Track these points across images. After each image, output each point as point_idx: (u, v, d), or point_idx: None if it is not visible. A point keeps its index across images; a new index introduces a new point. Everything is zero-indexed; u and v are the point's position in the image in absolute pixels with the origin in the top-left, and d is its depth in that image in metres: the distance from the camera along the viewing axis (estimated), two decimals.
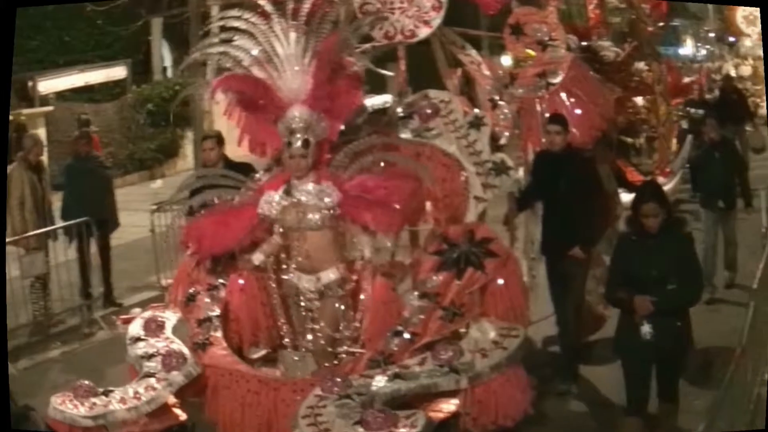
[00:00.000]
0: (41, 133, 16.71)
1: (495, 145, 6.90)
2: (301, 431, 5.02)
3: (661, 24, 14.31)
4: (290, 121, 6.06)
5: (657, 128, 13.45)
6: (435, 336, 5.78)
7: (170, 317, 6.24)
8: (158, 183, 19.86)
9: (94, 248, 10.55)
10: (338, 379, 5.29)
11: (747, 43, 24.55)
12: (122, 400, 5.35)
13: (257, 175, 6.81)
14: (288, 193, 6.10)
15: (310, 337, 6.10)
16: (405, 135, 6.76)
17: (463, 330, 5.96)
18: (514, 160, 6.93)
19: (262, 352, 6.47)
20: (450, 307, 5.88)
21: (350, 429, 4.90)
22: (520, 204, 7.38)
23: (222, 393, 5.67)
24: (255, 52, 6.17)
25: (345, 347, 6.07)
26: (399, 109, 6.99)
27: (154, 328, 6.04)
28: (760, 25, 15.99)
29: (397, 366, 5.55)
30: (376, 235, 6.01)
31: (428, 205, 6.65)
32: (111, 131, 20.09)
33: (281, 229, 6.14)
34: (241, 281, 6.25)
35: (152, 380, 5.45)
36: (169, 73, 23.39)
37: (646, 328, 5.64)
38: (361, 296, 6.10)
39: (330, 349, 6.07)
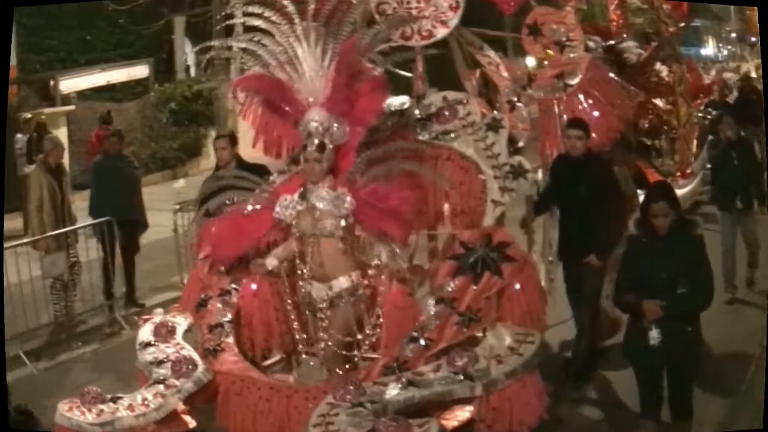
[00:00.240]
0: (63, 132, 16.69)
1: (513, 148, 6.80)
2: None
3: (682, 24, 14.20)
4: (307, 123, 5.98)
5: (678, 130, 13.36)
6: (451, 341, 5.69)
7: (181, 322, 6.16)
8: (181, 182, 19.91)
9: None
10: (351, 387, 5.19)
11: None
12: (130, 407, 5.27)
13: (272, 177, 6.76)
14: (303, 197, 6.05)
15: (321, 345, 6.05)
16: (423, 137, 6.68)
17: (479, 335, 5.88)
18: (531, 163, 6.83)
19: (275, 359, 6.41)
20: (466, 313, 5.79)
21: None
22: (537, 208, 7.33)
23: (233, 400, 5.58)
24: (276, 51, 6.11)
25: (359, 352, 6.02)
26: (417, 111, 6.91)
27: (164, 333, 5.96)
28: None
29: (411, 373, 5.46)
30: (389, 242, 5.92)
31: (446, 208, 6.59)
32: (133, 130, 19.98)
33: (297, 234, 6.09)
34: (253, 286, 6.19)
35: (161, 387, 5.37)
36: (192, 72, 23.36)
37: (654, 334, 5.57)
38: (378, 300, 6.04)
39: (344, 352, 6.02)
